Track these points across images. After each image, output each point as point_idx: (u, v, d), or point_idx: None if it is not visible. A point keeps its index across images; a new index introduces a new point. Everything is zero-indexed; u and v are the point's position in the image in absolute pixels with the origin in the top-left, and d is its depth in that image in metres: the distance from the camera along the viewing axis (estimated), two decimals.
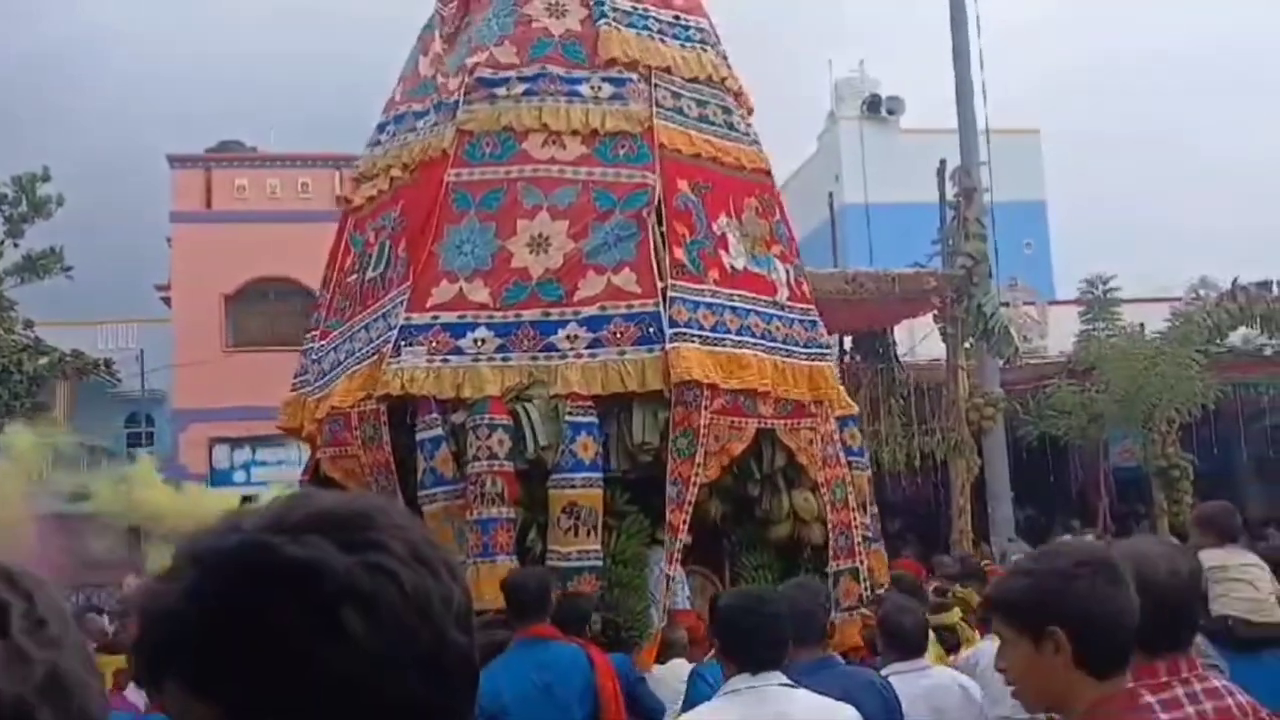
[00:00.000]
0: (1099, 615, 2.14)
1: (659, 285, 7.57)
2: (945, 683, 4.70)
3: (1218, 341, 19.03)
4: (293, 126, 61.23)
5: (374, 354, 7.73)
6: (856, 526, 8.17)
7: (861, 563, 8.11)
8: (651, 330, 7.46)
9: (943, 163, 19.63)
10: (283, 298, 27.00)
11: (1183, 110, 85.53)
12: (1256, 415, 20.22)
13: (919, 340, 20.46)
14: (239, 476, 26.02)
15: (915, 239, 20.70)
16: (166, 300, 27.39)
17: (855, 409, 8.94)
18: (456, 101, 8.23)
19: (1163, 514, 18.17)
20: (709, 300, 7.76)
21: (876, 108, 32.63)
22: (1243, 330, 19.76)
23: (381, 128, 8.99)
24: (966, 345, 17.99)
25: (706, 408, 7.38)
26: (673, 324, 7.46)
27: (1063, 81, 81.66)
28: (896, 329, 19.56)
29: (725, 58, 9.13)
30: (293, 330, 26.64)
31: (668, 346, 7.38)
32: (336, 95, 70.03)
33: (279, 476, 25.81)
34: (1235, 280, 19.31)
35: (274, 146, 29.19)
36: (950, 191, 19.13)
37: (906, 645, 4.85)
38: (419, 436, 7.42)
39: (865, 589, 7.97)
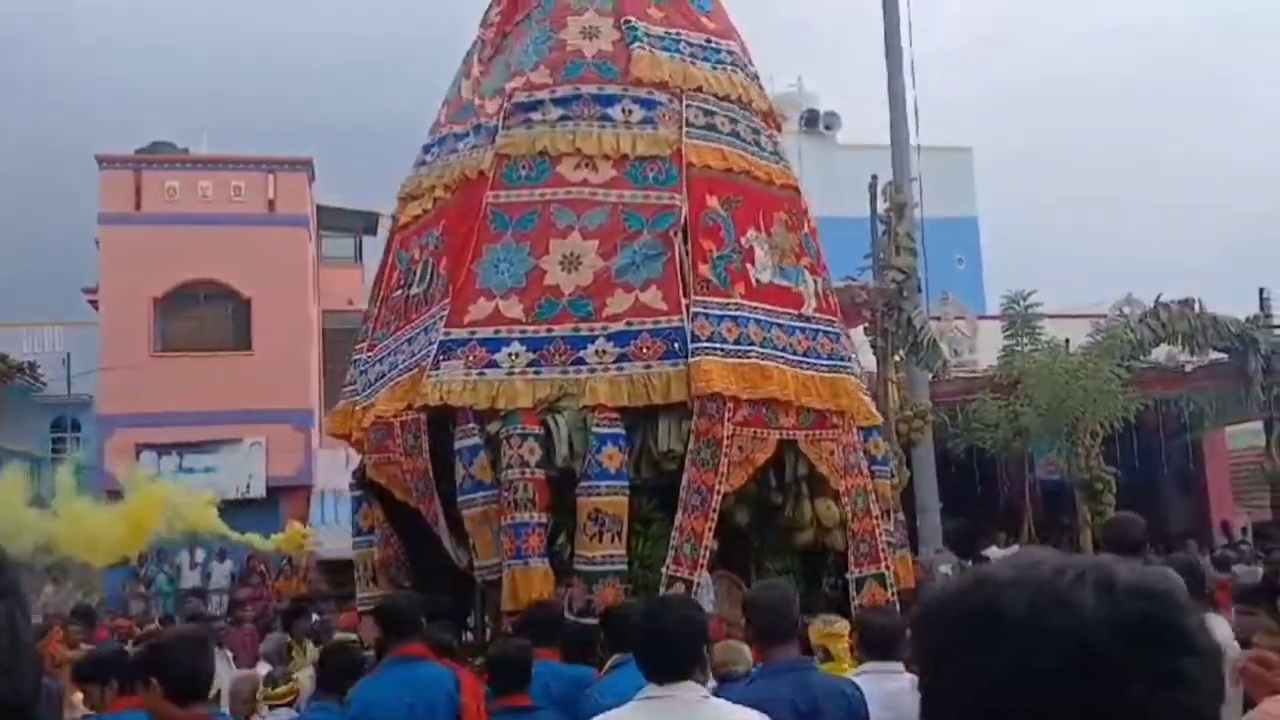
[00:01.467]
0: None
1: (684, 302, 7.91)
2: (908, 686, 4.57)
3: (1140, 357, 19.40)
4: (225, 129, 60.49)
5: (415, 367, 8.19)
6: (880, 533, 8.41)
7: (888, 568, 8.34)
8: (676, 345, 7.81)
9: (874, 178, 19.84)
10: (213, 302, 26.64)
11: (1116, 125, 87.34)
12: (1178, 430, 20.55)
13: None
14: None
15: (849, 253, 20.88)
16: (94, 303, 26.88)
17: (879, 419, 9.24)
18: (495, 125, 8.66)
19: (1086, 525, 18.43)
20: (733, 314, 8.07)
21: (814, 123, 32.93)
22: (1165, 347, 20.18)
23: (426, 149, 9.44)
24: (896, 358, 18.17)
25: (729, 419, 7.71)
26: (695, 339, 7.79)
27: (997, 98, 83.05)
28: None
29: (755, 78, 9.50)
30: (222, 335, 26.42)
31: (690, 360, 7.72)
32: (270, 99, 69.31)
33: (206, 483, 25.48)
34: (1158, 298, 19.69)
35: (206, 149, 28.82)
36: (882, 206, 19.35)
37: (879, 647, 4.91)
38: (457, 445, 7.87)
39: (891, 593, 8.18)
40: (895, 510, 9.24)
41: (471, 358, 7.92)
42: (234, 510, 25.01)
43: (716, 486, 7.67)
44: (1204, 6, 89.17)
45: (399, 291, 8.95)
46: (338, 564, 22.98)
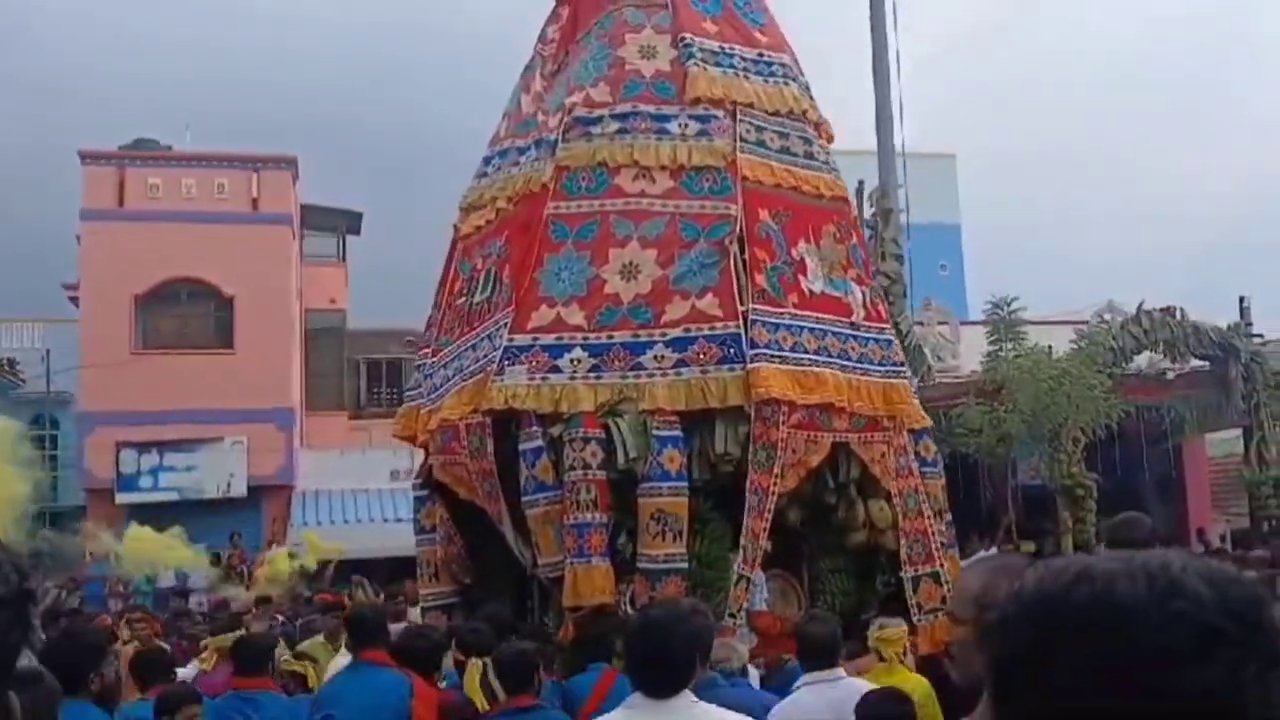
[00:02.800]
0: None
1: (740, 309, 8.16)
2: (853, 693, 4.60)
3: (1122, 364, 19.53)
4: (210, 127, 60.21)
5: (480, 371, 8.45)
6: (933, 534, 8.68)
7: (942, 566, 8.59)
8: (733, 351, 8.06)
9: (861, 183, 19.97)
10: (195, 300, 26.52)
11: (1096, 132, 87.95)
12: (1159, 437, 20.71)
13: None
14: (146, 482, 25.46)
15: None
16: (75, 300, 26.69)
17: (929, 422, 9.49)
18: (556, 139, 8.93)
19: (1068, 531, 18.59)
20: (788, 322, 8.34)
21: None
22: (1147, 354, 20.31)
23: (487, 160, 9.73)
24: None
25: (784, 423, 7.98)
26: (754, 345, 8.05)
27: (980, 102, 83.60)
28: None
29: (807, 89, 9.76)
30: (204, 333, 26.31)
31: (749, 366, 7.97)
32: (256, 97, 69.01)
33: (187, 482, 25.37)
34: (1141, 305, 19.81)
35: (190, 145, 28.67)
36: (868, 212, 19.46)
37: (818, 654, 4.95)
38: (521, 447, 8.11)
39: (946, 591, 8.33)
40: (944, 511, 9.42)
41: (535, 363, 8.18)
42: (214, 510, 25.03)
43: (771, 488, 7.92)
44: (1184, 15, 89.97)
45: (462, 299, 9.25)
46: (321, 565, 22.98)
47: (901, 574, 8.48)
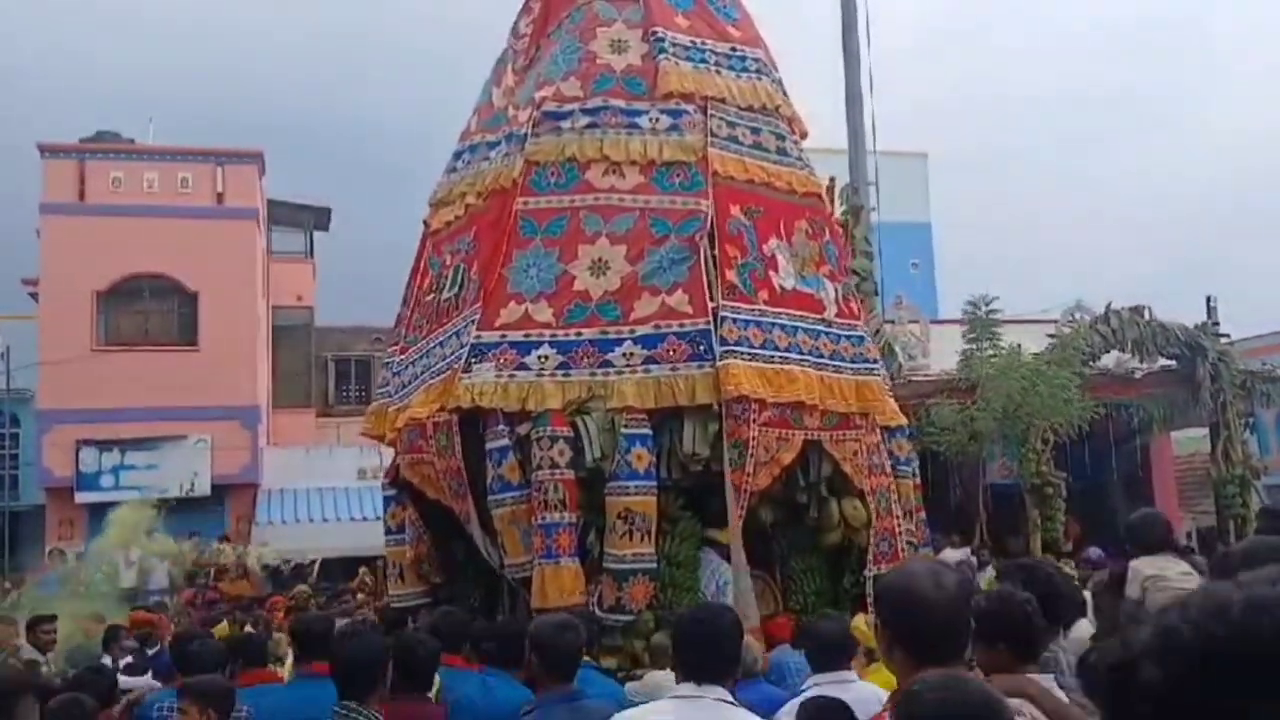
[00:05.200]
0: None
1: (710, 305, 8.06)
2: (867, 695, 4.50)
3: (1091, 363, 19.59)
4: (173, 120, 59.57)
5: (447, 369, 8.32)
6: (900, 533, 8.60)
7: None
8: (702, 348, 7.96)
9: (832, 180, 19.86)
10: (158, 296, 26.14)
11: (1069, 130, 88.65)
12: (1127, 436, 20.79)
13: None
14: (107, 481, 25.08)
15: None
16: (35, 295, 26.27)
17: (904, 420, 9.42)
18: (526, 134, 8.84)
19: (1036, 529, 18.64)
20: (759, 319, 8.25)
21: None
22: (1115, 353, 20.38)
23: (457, 155, 9.62)
24: None
25: (755, 420, 7.88)
26: (723, 342, 7.95)
27: (952, 103, 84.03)
28: None
29: (781, 84, 9.68)
30: (168, 330, 25.96)
31: (718, 363, 7.87)
32: (222, 90, 68.39)
33: (149, 480, 25.00)
34: (1109, 305, 19.87)
35: (153, 139, 28.25)
36: (839, 209, 19.39)
37: (829, 654, 4.81)
38: (488, 446, 8.01)
39: None
40: (918, 509, 9.40)
41: (502, 360, 8.08)
42: (178, 509, 24.70)
43: (744, 486, 7.84)
44: (1147, 19, 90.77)
45: (431, 296, 9.13)
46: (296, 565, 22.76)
47: (865, 572, 8.39)
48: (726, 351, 7.92)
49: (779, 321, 8.36)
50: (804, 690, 4.76)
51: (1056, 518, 18.63)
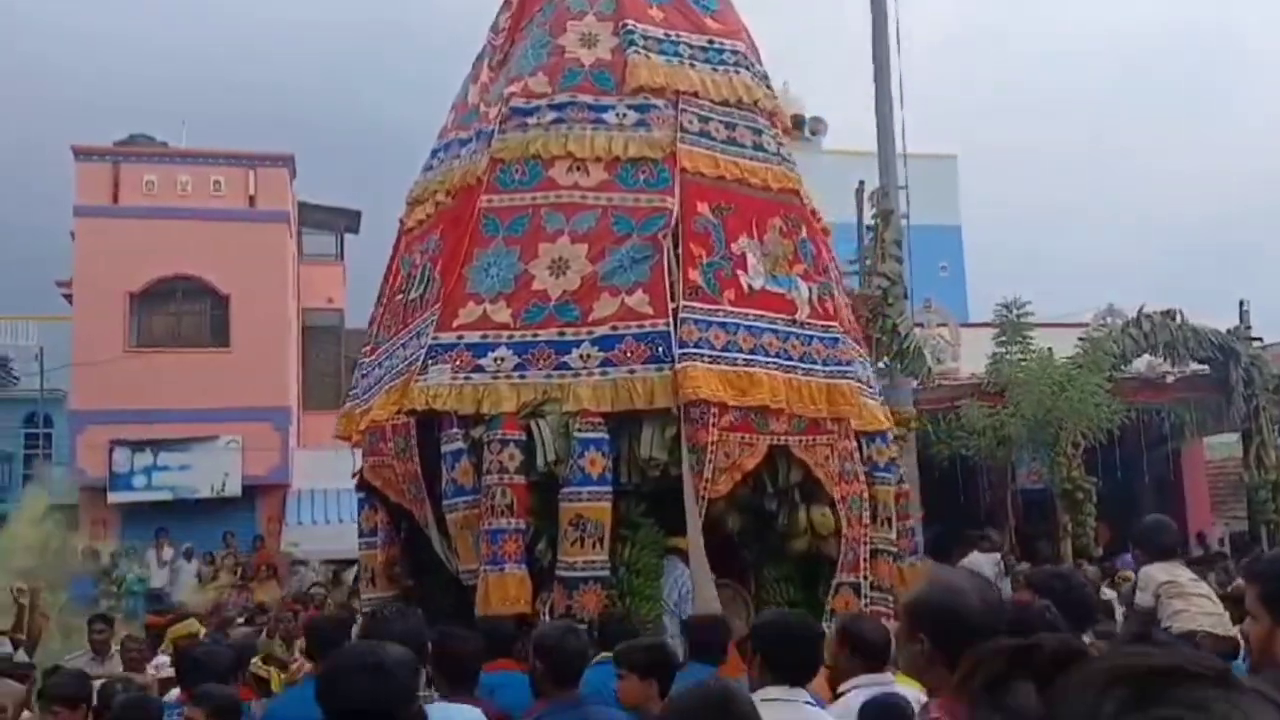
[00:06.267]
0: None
1: (671, 306, 7.82)
2: (910, 697, 4.59)
3: (1122, 367, 19.48)
4: (206, 123, 60.00)
5: (407, 371, 8.17)
6: (865, 541, 8.31)
7: (865, 577, 8.23)
8: (661, 350, 7.72)
9: (861, 184, 19.87)
10: (190, 298, 26.33)
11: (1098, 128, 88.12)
12: (1159, 440, 20.66)
13: None
14: (139, 481, 25.28)
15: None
16: (69, 297, 26.51)
17: (886, 424, 9.03)
18: (493, 130, 8.65)
19: (1066, 535, 18.53)
20: (722, 320, 7.98)
21: (800, 127, 32.98)
22: (1147, 357, 20.25)
23: (433, 153, 9.44)
24: (881, 364, 18.17)
25: (715, 425, 7.62)
26: (682, 344, 7.70)
27: (982, 102, 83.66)
28: None
29: (763, 78, 9.41)
30: (200, 331, 26.14)
31: (677, 366, 7.62)
32: (253, 93, 68.87)
33: (180, 481, 25.20)
34: (1141, 308, 19.76)
35: (186, 141, 28.47)
36: (868, 213, 19.36)
37: (870, 656, 4.76)
38: (443, 449, 7.85)
39: (867, 603, 8.05)
40: (906, 517, 9.15)
41: (458, 362, 7.89)
42: (208, 509, 24.89)
43: (701, 492, 7.57)
44: (1179, 20, 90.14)
45: (400, 296, 8.97)
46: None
47: (833, 581, 8.12)
48: (686, 354, 7.68)
49: (745, 322, 8.08)
50: (843, 692, 4.76)
51: (1087, 523, 18.50)
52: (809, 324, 8.45)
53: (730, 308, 8.05)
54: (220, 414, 25.02)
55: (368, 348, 9.36)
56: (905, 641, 2.78)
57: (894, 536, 8.76)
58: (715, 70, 8.96)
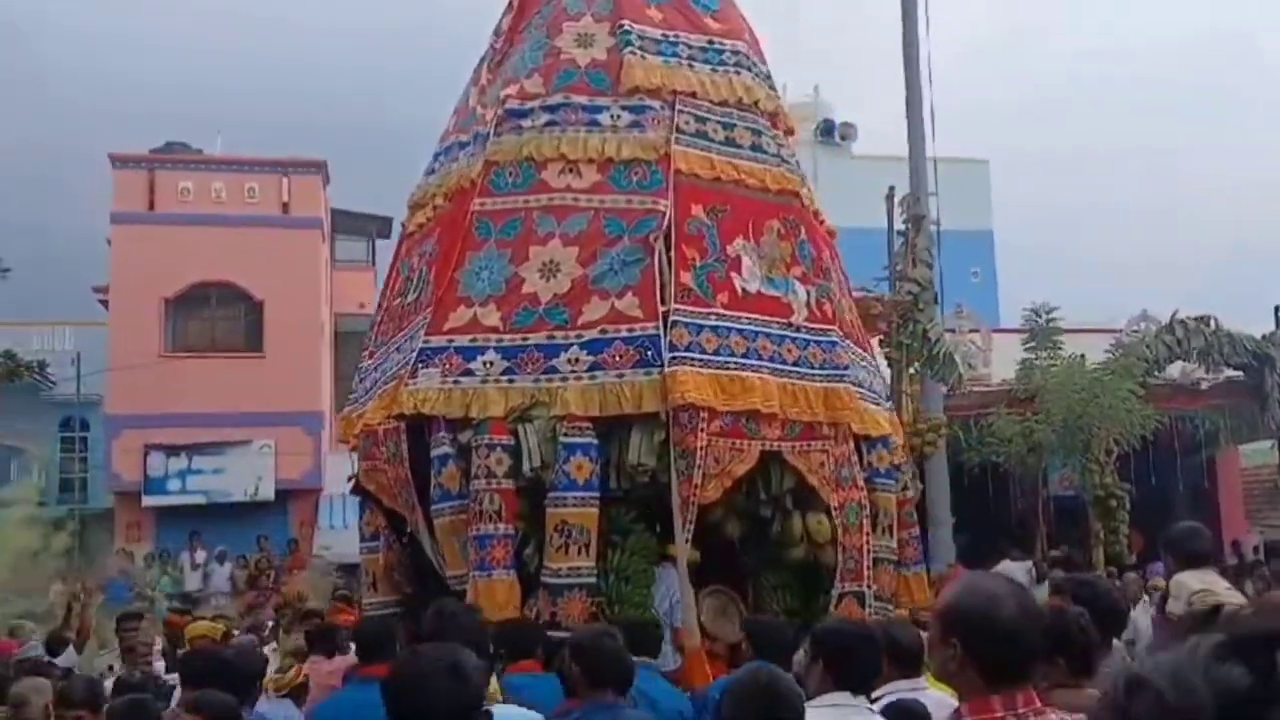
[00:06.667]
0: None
1: (661, 309, 7.69)
2: (940, 704, 4.40)
3: (1155, 374, 19.29)
4: (241, 131, 60.63)
5: (399, 375, 8.10)
6: (867, 549, 8.15)
7: (869, 586, 8.09)
8: (650, 354, 7.58)
9: (891, 189, 19.80)
10: (225, 303, 26.59)
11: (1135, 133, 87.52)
12: (1193, 447, 20.44)
13: None
14: (174, 485, 25.52)
15: (865, 263, 20.81)
16: (105, 303, 26.83)
17: (887, 430, 8.81)
18: (489, 133, 8.56)
19: (1099, 542, 18.35)
20: (714, 323, 7.84)
21: (830, 133, 32.93)
22: (1181, 363, 20.05)
23: (435, 157, 9.36)
24: (911, 371, 18.09)
25: (704, 430, 7.48)
26: (673, 348, 7.57)
27: (1017, 103, 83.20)
28: None
29: (766, 78, 9.26)
30: (234, 337, 26.37)
31: (666, 370, 7.48)
32: (287, 101, 69.44)
33: (214, 485, 25.43)
34: (1174, 314, 19.57)
35: (220, 148, 28.76)
36: (899, 218, 19.29)
37: (905, 662, 4.73)
38: (432, 453, 7.77)
39: (871, 612, 7.90)
40: (911, 525, 8.98)
41: (448, 366, 7.81)
42: (241, 513, 25.09)
43: (690, 498, 7.44)
44: (1211, 22, 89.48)
45: (398, 300, 8.91)
46: (346, 568, 22.97)
47: (832, 590, 7.97)
48: (676, 358, 7.54)
49: (737, 326, 7.93)
50: (878, 697, 4.77)
51: (1120, 530, 18.30)
52: (806, 327, 8.30)
53: (723, 311, 7.92)
54: (253, 418, 25.22)
55: (367, 351, 9.32)
56: (937, 646, 2.75)
57: (894, 545, 8.59)
58: (715, 71, 8.84)
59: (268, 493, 25.60)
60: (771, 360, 7.99)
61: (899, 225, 19.22)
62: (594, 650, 4.63)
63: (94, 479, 27.29)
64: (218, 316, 26.61)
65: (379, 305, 9.57)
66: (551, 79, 8.63)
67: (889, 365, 18.08)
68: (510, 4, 9.65)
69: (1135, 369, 18.24)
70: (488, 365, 7.74)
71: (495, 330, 7.83)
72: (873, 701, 4.56)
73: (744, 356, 7.86)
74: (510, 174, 8.37)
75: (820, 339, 8.35)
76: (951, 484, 18.81)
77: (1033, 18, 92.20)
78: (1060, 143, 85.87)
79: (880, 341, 18.28)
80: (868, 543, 8.13)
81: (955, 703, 4.58)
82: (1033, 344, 20.48)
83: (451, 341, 7.89)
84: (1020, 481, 20.95)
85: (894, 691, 4.60)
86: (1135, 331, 20.43)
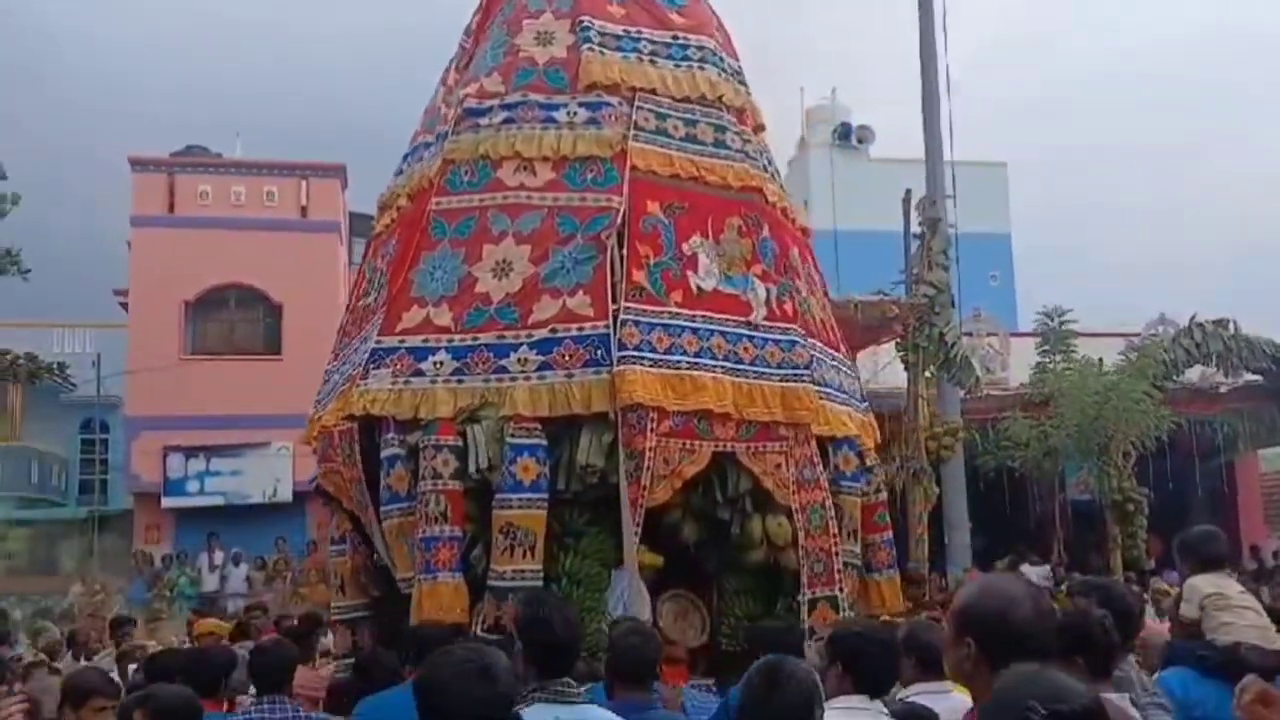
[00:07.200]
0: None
1: (612, 308, 7.56)
2: (959, 707, 4.52)
3: (1174, 378, 19.13)
4: (260, 134, 61.04)
5: (352, 376, 8.03)
6: (836, 553, 7.96)
7: (841, 590, 7.91)
8: (600, 353, 7.46)
9: (908, 192, 19.71)
10: (244, 306, 26.79)
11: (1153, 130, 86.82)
12: (1211, 452, 20.27)
13: (881, 368, 20.48)
14: (192, 486, 25.70)
15: (882, 266, 20.78)
16: (125, 305, 27.09)
17: (853, 431, 8.62)
18: (448, 131, 8.51)
19: (1116, 547, 18.19)
20: (666, 322, 7.71)
21: (847, 136, 32.89)
22: (1199, 367, 19.87)
23: (404, 158, 9.30)
24: (928, 374, 18.00)
25: (653, 430, 7.34)
26: (622, 347, 7.44)
27: (1037, 103, 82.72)
28: (860, 356, 19.51)
29: (733, 74, 9.13)
30: (253, 339, 26.55)
31: (615, 369, 7.36)
32: (306, 105, 69.87)
33: (233, 487, 25.58)
34: (1193, 317, 19.40)
35: (240, 152, 28.98)
36: (915, 222, 19.21)
37: (929, 664, 4.68)
38: (382, 455, 7.68)
39: (843, 617, 7.73)
40: (883, 529, 8.79)
41: (399, 367, 7.73)
42: (259, 515, 25.23)
43: (639, 500, 7.30)
44: (1236, 20, 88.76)
45: (363, 301, 8.85)
46: None
47: (799, 596, 7.77)
48: (625, 357, 7.39)
49: (691, 325, 7.79)
50: (900, 699, 4.75)
51: (1138, 535, 18.13)
52: (765, 325, 8.14)
53: (676, 309, 7.79)
54: (272, 420, 25.33)
55: (333, 353, 9.26)
56: (952, 646, 2.78)
57: (858, 549, 8.41)
58: (678, 66, 8.72)
59: (286, 494, 25.77)
60: (726, 359, 7.84)
61: (915, 228, 19.15)
62: (631, 648, 4.62)
63: (113, 480, 27.55)
64: (237, 319, 26.83)
65: (346, 307, 9.49)
66: (510, 77, 8.56)
67: (905, 369, 18.01)
68: (480, 3, 9.58)
69: (1149, 370, 18.10)
70: (438, 366, 7.66)
71: (447, 330, 7.74)
72: (897, 703, 4.56)
73: (697, 355, 7.72)
74: (466, 173, 8.30)
75: (779, 338, 8.18)
76: (968, 488, 18.71)
77: (1050, 18, 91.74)
78: (1076, 140, 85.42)
79: (896, 345, 18.23)
80: (835, 545, 7.96)
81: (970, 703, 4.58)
82: (1046, 347, 20.36)
83: (403, 342, 7.81)
84: (1037, 485, 20.83)
85: (918, 693, 4.59)
86: (1153, 335, 20.29)
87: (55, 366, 24.91)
